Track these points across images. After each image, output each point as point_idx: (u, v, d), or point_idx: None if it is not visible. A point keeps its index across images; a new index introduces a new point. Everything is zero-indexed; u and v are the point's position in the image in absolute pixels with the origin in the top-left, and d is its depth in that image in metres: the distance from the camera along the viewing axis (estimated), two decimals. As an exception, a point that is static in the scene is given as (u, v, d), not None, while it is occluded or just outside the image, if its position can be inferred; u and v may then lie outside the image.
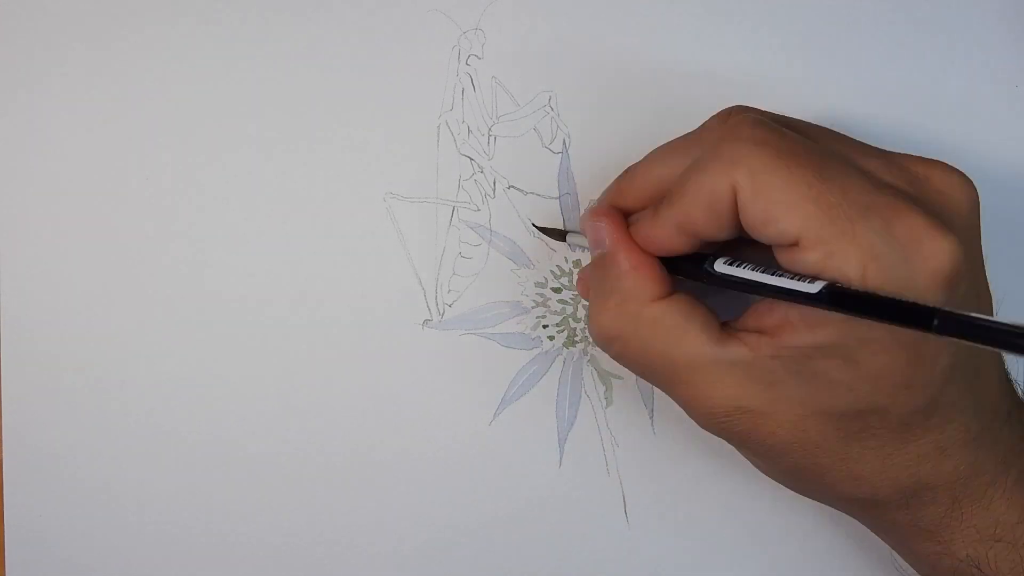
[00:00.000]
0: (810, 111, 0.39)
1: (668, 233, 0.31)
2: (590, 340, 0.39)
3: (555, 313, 0.39)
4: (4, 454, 0.38)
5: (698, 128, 0.33)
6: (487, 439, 0.39)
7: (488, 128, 0.39)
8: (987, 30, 0.39)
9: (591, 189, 0.39)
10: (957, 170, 0.31)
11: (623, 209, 0.34)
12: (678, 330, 0.31)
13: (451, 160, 0.39)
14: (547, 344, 0.39)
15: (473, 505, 0.39)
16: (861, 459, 0.31)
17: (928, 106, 0.39)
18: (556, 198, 0.39)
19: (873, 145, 0.32)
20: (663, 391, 0.33)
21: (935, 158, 0.31)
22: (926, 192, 0.30)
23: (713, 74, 0.39)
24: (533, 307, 0.39)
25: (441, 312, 0.39)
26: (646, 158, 0.34)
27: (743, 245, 0.31)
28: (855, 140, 0.32)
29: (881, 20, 0.39)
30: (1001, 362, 0.33)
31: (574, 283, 0.39)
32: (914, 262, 0.28)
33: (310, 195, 0.39)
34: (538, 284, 0.39)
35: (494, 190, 0.39)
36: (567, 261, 0.39)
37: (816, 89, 0.39)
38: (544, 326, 0.39)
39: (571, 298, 0.39)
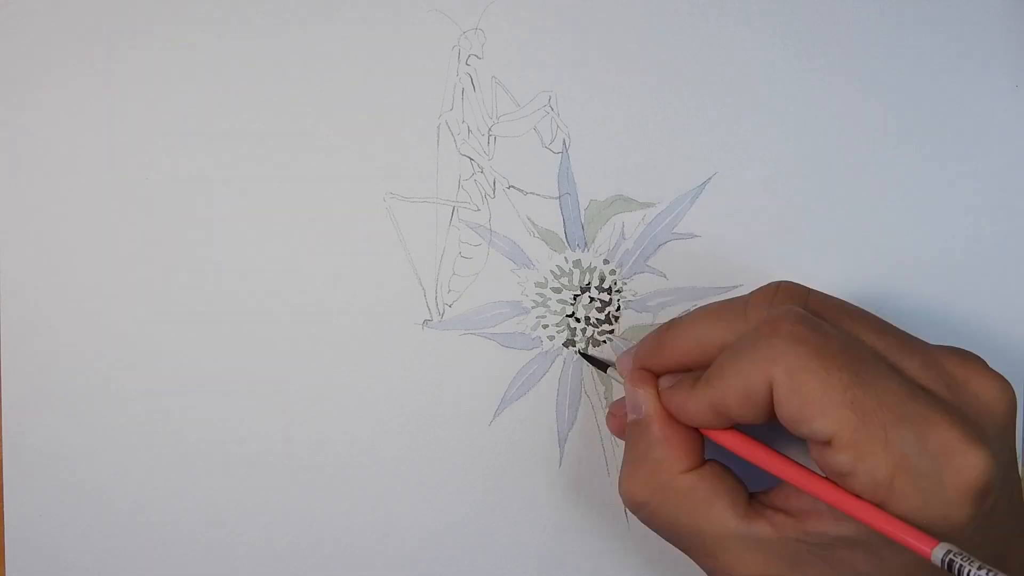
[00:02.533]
0: (810, 111, 0.39)
1: (703, 411, 0.32)
2: (589, 340, 0.39)
3: (555, 313, 0.39)
4: (4, 454, 0.38)
5: (744, 297, 0.33)
6: (487, 439, 0.39)
7: (488, 128, 0.39)
8: (987, 30, 0.39)
9: (591, 189, 0.39)
10: (996, 374, 0.31)
11: (660, 364, 0.34)
12: (706, 503, 0.32)
13: (451, 160, 0.39)
14: (547, 344, 0.39)
15: (473, 505, 0.39)
16: None
17: (928, 106, 0.39)
18: (556, 198, 0.39)
19: (912, 336, 0.32)
20: (688, 556, 0.33)
21: (974, 353, 0.32)
22: (963, 396, 0.30)
23: (713, 74, 0.39)
24: (533, 307, 0.39)
25: (441, 312, 0.39)
26: (690, 317, 0.34)
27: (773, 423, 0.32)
28: (895, 332, 0.32)
29: (881, 20, 0.39)
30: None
31: (574, 283, 0.39)
32: (944, 475, 0.28)
33: (310, 195, 0.39)
34: (538, 284, 0.39)
35: (494, 190, 0.39)
36: (567, 261, 0.39)
37: (816, 89, 0.39)
38: (544, 326, 0.39)
39: (571, 298, 0.39)
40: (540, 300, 0.39)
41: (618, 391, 0.39)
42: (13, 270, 0.38)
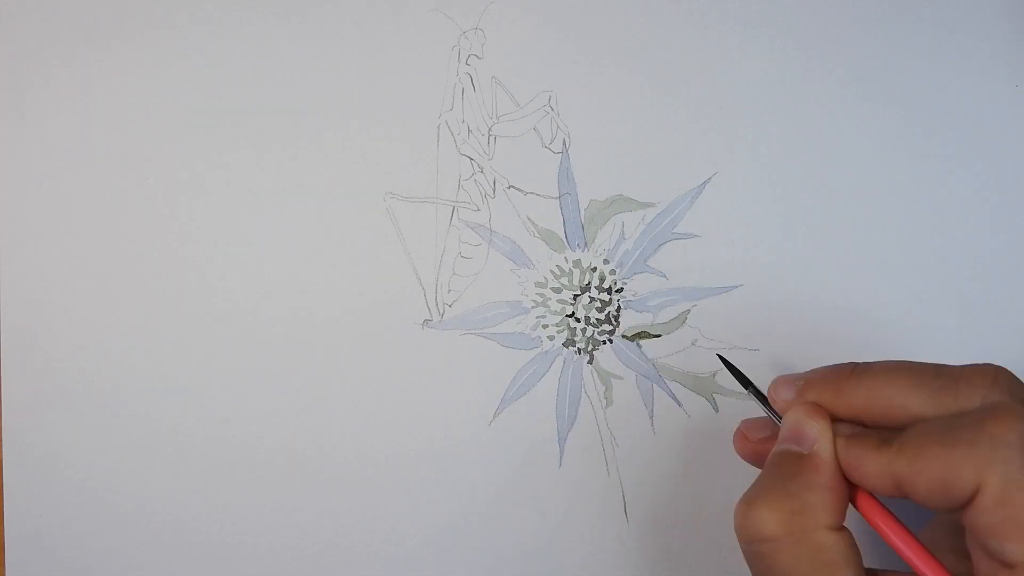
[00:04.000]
0: (810, 111, 0.39)
1: (883, 478, 0.29)
2: (589, 340, 0.39)
3: (555, 313, 0.39)
4: (4, 454, 0.38)
5: (955, 370, 0.30)
6: (487, 439, 0.39)
7: (488, 128, 0.39)
8: (987, 30, 0.39)
9: (591, 189, 0.39)
10: None
11: (831, 407, 0.31)
12: (834, 567, 0.29)
13: (451, 160, 0.39)
14: (547, 344, 0.39)
15: (473, 505, 0.39)
16: None
17: (928, 106, 0.39)
18: (556, 198, 0.39)
19: None
20: None
21: None
22: None
23: (713, 74, 0.39)
24: (533, 307, 0.39)
25: (441, 312, 0.39)
26: (883, 370, 0.31)
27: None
28: None
29: (881, 20, 0.39)
30: None
31: (574, 283, 0.39)
32: None
33: (310, 195, 0.39)
34: (538, 284, 0.39)
35: (494, 190, 0.39)
36: (567, 261, 0.39)
37: (816, 89, 0.39)
38: (544, 326, 0.39)
39: (571, 298, 0.39)
40: (540, 300, 0.39)
41: (618, 391, 0.39)
42: (13, 270, 0.38)
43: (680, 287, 0.39)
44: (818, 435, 0.31)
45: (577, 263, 0.39)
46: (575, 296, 0.39)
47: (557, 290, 0.39)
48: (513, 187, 0.39)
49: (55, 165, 0.38)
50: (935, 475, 0.28)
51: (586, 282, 0.39)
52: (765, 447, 0.33)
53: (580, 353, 0.39)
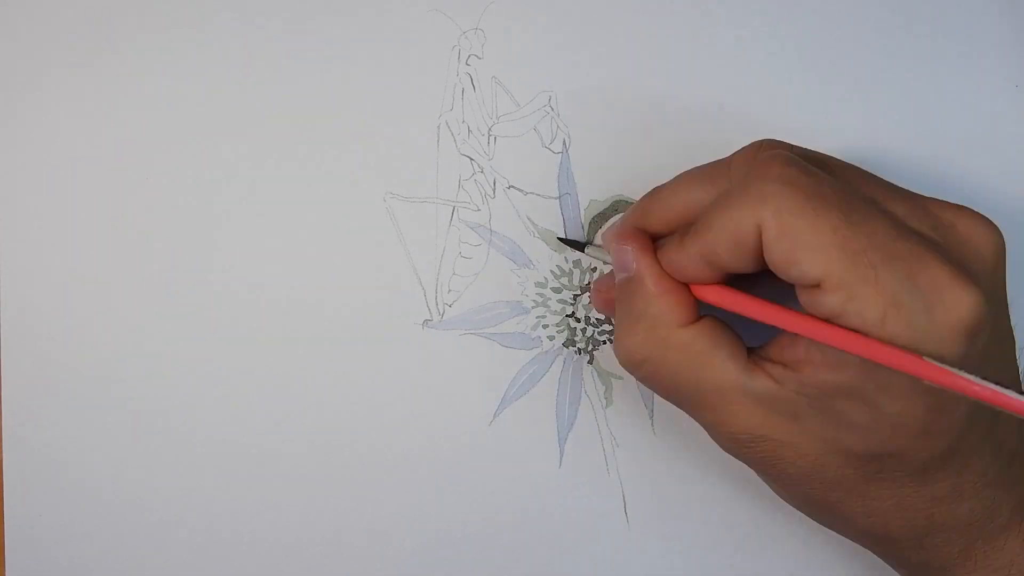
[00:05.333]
0: (810, 112, 0.39)
1: (693, 263, 0.31)
2: (589, 340, 0.39)
3: (555, 313, 0.39)
4: (4, 454, 0.38)
5: (727, 157, 0.33)
6: (487, 439, 0.39)
7: (488, 128, 0.39)
8: (987, 30, 0.39)
9: (591, 189, 0.39)
10: (983, 217, 0.31)
11: (647, 231, 0.34)
12: (706, 356, 0.32)
13: (451, 160, 0.39)
14: (547, 344, 0.39)
15: (473, 505, 0.39)
16: (877, 498, 0.32)
17: (928, 106, 0.39)
18: (556, 198, 0.39)
19: (900, 186, 0.32)
20: (687, 413, 0.33)
21: (960, 203, 0.31)
22: (951, 240, 0.30)
23: (712, 75, 0.39)
24: (533, 307, 0.39)
25: (441, 312, 0.39)
26: (674, 181, 0.34)
27: (766, 277, 0.31)
28: (883, 181, 0.32)
29: (881, 21, 0.39)
30: None
31: (574, 283, 0.39)
32: (936, 312, 0.28)
33: (310, 195, 0.39)
34: (538, 284, 0.39)
35: (494, 190, 0.39)
36: (567, 261, 0.39)
37: (816, 90, 0.39)
38: (544, 326, 0.39)
39: (571, 298, 0.39)
40: (540, 300, 0.39)
41: (618, 391, 0.39)
42: (13, 270, 0.38)
43: (680, 287, 0.39)
44: (634, 253, 0.33)
45: (577, 263, 0.39)
46: (575, 296, 0.39)
47: (557, 290, 0.39)
48: (513, 187, 0.39)
49: (55, 165, 0.38)
50: (726, 236, 0.30)
51: (586, 282, 0.39)
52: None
53: (580, 353, 0.39)
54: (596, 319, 0.39)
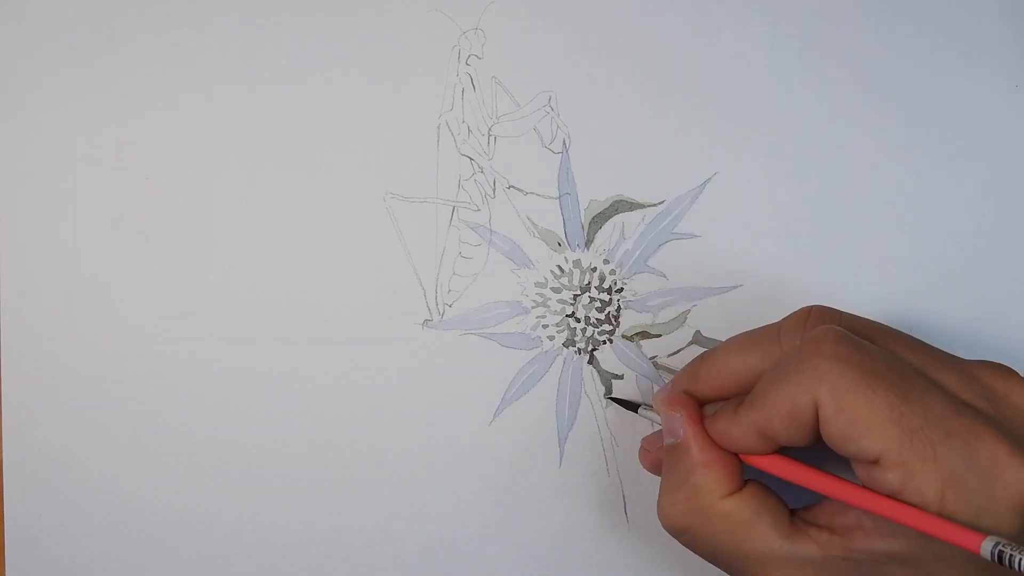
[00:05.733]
0: (810, 111, 0.39)
1: (747, 435, 0.32)
2: (589, 340, 0.39)
3: (555, 313, 0.39)
4: (4, 454, 0.38)
5: (776, 324, 0.33)
6: (487, 439, 0.39)
7: (488, 128, 0.39)
8: (987, 30, 0.39)
9: (591, 189, 0.39)
10: None
11: (696, 395, 0.34)
12: (748, 526, 0.32)
13: (451, 160, 0.39)
14: (547, 344, 0.39)
15: (473, 505, 0.39)
16: None
17: (928, 106, 0.39)
18: (556, 198, 0.39)
19: (947, 353, 0.32)
20: None
21: (1008, 366, 0.32)
22: (1004, 411, 0.31)
23: (713, 74, 0.39)
24: (533, 307, 0.39)
25: (441, 312, 0.39)
26: (723, 346, 0.34)
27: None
28: (931, 349, 0.32)
29: (881, 21, 0.39)
30: None
31: (574, 283, 0.39)
32: (995, 490, 0.28)
33: (310, 195, 0.39)
34: (538, 284, 0.39)
35: (494, 190, 0.39)
36: (567, 261, 0.39)
37: (816, 89, 0.39)
38: (544, 326, 0.39)
39: (571, 298, 0.39)
40: (540, 300, 0.39)
41: (618, 391, 0.39)
42: (13, 270, 0.38)
43: (680, 287, 0.39)
44: (681, 419, 0.33)
45: (577, 263, 0.39)
46: (575, 296, 0.39)
47: (557, 290, 0.39)
48: (513, 187, 0.39)
49: (55, 165, 0.38)
50: (781, 411, 0.30)
51: (586, 282, 0.39)
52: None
53: (580, 353, 0.39)
54: (596, 319, 0.39)
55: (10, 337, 0.38)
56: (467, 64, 0.39)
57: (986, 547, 0.28)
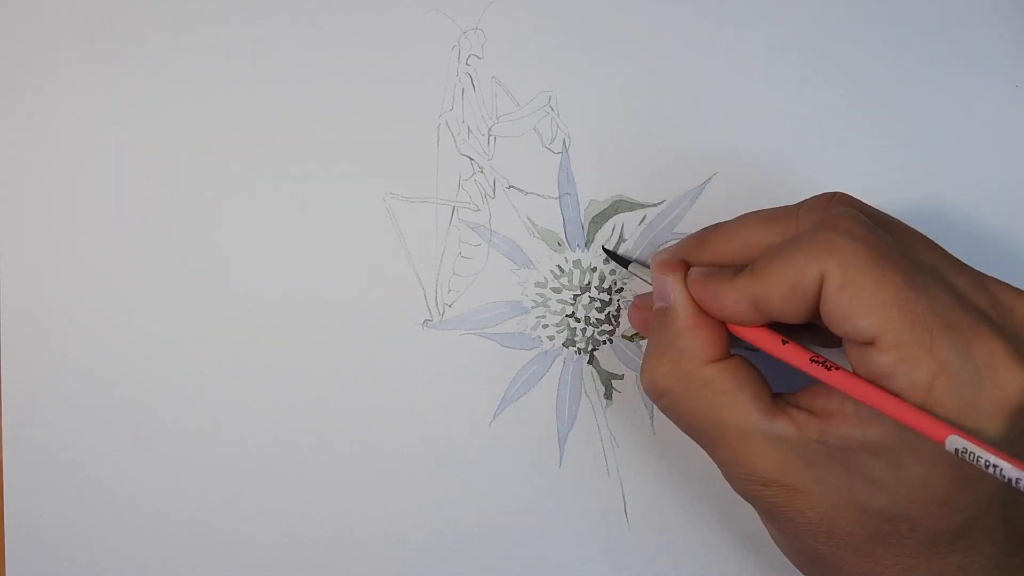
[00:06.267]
0: (809, 112, 0.39)
1: (740, 303, 0.31)
2: (589, 340, 0.39)
3: (555, 313, 0.39)
4: (4, 454, 0.38)
5: (796, 204, 0.33)
6: (487, 439, 0.39)
7: (488, 128, 0.39)
8: (987, 30, 0.39)
9: (591, 189, 0.39)
10: None
11: (699, 262, 0.34)
12: (729, 395, 0.32)
13: (451, 160, 0.39)
14: (547, 344, 0.39)
15: (473, 505, 0.39)
16: (880, 562, 0.31)
17: (928, 106, 0.39)
18: (556, 198, 0.39)
19: (961, 260, 0.32)
20: (704, 449, 0.33)
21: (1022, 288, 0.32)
22: (1009, 320, 0.30)
23: (713, 74, 0.39)
24: (533, 307, 0.39)
25: (441, 312, 0.39)
26: (737, 219, 0.34)
27: (800, 329, 0.32)
28: (947, 253, 0.32)
29: (881, 21, 0.39)
30: None
31: (574, 283, 0.39)
32: (985, 387, 0.28)
33: (310, 195, 0.39)
34: (538, 284, 0.39)
35: (494, 190, 0.39)
36: (567, 261, 0.39)
37: (816, 90, 0.39)
38: (544, 326, 0.39)
39: (571, 298, 0.39)
40: (540, 300, 0.39)
41: (618, 391, 0.39)
42: (13, 270, 0.38)
43: (680, 287, 0.39)
44: (672, 284, 0.33)
45: (577, 263, 0.39)
46: (575, 296, 0.39)
47: (557, 290, 0.39)
48: (513, 187, 0.39)
49: (56, 165, 0.38)
50: (784, 280, 0.30)
51: (586, 282, 0.39)
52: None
53: (580, 353, 0.39)
54: (596, 319, 0.39)
55: (10, 337, 0.38)
56: (467, 64, 0.39)
57: (951, 443, 0.27)
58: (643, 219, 0.39)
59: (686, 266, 0.33)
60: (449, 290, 0.39)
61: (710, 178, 0.39)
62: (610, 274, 0.39)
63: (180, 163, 0.39)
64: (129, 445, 0.38)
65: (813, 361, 0.30)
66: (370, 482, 0.39)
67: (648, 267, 0.36)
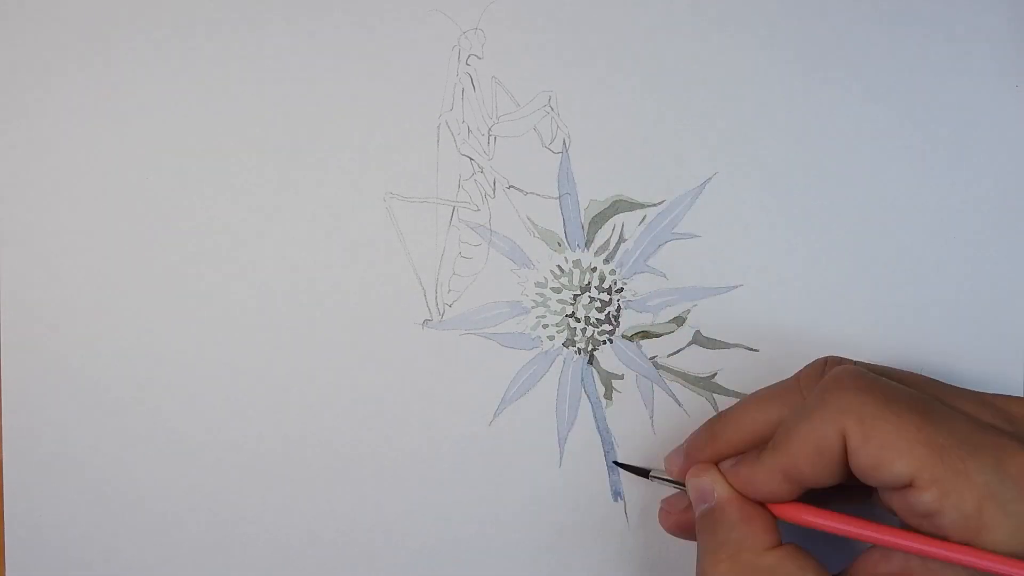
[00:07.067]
0: (810, 111, 0.39)
1: (774, 479, 0.32)
2: (589, 340, 0.39)
3: (555, 313, 0.39)
4: (4, 454, 0.38)
5: (792, 377, 0.34)
6: (487, 439, 0.39)
7: (488, 128, 0.39)
8: (987, 30, 0.39)
9: (591, 189, 0.39)
10: None
11: (714, 455, 0.34)
12: None
13: (451, 160, 0.39)
14: (547, 344, 0.39)
15: (473, 505, 0.39)
16: None
17: (928, 106, 0.39)
18: (556, 198, 0.39)
19: (959, 386, 0.33)
20: None
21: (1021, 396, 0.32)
22: (1023, 428, 0.31)
23: (713, 75, 0.39)
24: (533, 307, 0.39)
25: (441, 312, 0.39)
26: (740, 404, 0.34)
27: (831, 493, 0.32)
28: (944, 383, 0.33)
29: (880, 21, 0.39)
30: None
31: (574, 283, 0.39)
32: None
33: (311, 195, 0.39)
34: (538, 284, 0.39)
35: (494, 190, 0.39)
36: (567, 261, 0.39)
37: (816, 89, 0.39)
38: (544, 326, 0.39)
39: (571, 298, 0.39)
40: (540, 300, 0.39)
41: (618, 391, 0.39)
42: (13, 270, 0.38)
43: (680, 287, 0.39)
44: (712, 482, 0.33)
45: (577, 263, 0.39)
46: (575, 296, 0.39)
47: (557, 290, 0.39)
48: (513, 187, 0.39)
49: (56, 165, 0.38)
50: (807, 448, 0.31)
51: (586, 282, 0.39)
52: (687, 516, 0.35)
53: (580, 353, 0.39)
54: (596, 319, 0.39)
55: (10, 337, 0.38)
56: (467, 64, 0.39)
57: None
58: (643, 219, 0.39)
59: (714, 464, 0.34)
60: (449, 290, 0.39)
61: (710, 178, 0.39)
62: (610, 274, 0.39)
63: (180, 163, 0.39)
64: (129, 445, 0.38)
65: (865, 525, 0.31)
66: (370, 482, 0.39)
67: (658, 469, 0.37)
